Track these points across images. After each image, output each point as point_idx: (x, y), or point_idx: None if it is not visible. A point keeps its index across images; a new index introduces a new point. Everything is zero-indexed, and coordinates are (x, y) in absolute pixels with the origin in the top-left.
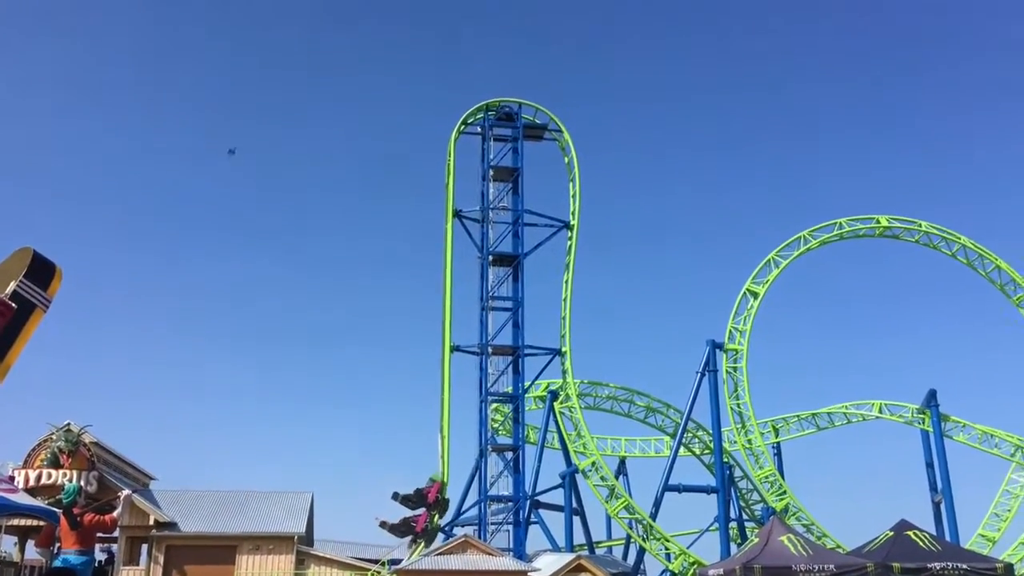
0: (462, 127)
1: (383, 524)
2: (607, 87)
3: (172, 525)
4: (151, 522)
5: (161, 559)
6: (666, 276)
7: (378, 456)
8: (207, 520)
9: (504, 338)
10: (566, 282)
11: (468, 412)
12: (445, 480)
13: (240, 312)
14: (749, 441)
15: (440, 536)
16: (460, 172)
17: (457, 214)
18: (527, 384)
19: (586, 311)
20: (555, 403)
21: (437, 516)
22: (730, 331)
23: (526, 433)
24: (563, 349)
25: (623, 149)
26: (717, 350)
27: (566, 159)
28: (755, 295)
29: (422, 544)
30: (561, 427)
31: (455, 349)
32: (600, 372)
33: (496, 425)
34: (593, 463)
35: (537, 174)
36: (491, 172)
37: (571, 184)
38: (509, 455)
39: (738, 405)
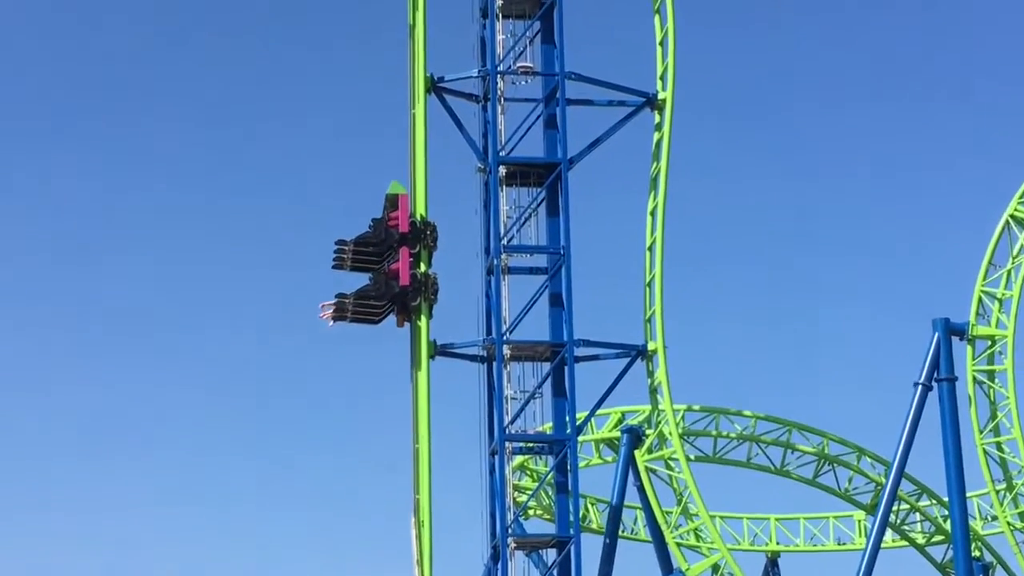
0: None
1: (337, 308)
2: None
3: None
4: None
5: None
6: (845, 194)
7: None
8: None
9: (534, 333)
10: (652, 213)
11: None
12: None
13: None
14: (1022, 516)
15: None
16: (437, 3)
17: (435, 86)
18: (581, 417)
19: (693, 273)
20: (638, 452)
21: (425, 251)
22: (979, 301)
23: (583, 513)
24: (650, 348)
25: None
26: (955, 340)
27: None
28: None
29: (424, 314)
30: (652, 498)
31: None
32: (723, 391)
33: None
34: (715, 567)
35: (588, 3)
36: (499, 1)
37: (658, 20)
38: (550, 555)
39: (999, 446)
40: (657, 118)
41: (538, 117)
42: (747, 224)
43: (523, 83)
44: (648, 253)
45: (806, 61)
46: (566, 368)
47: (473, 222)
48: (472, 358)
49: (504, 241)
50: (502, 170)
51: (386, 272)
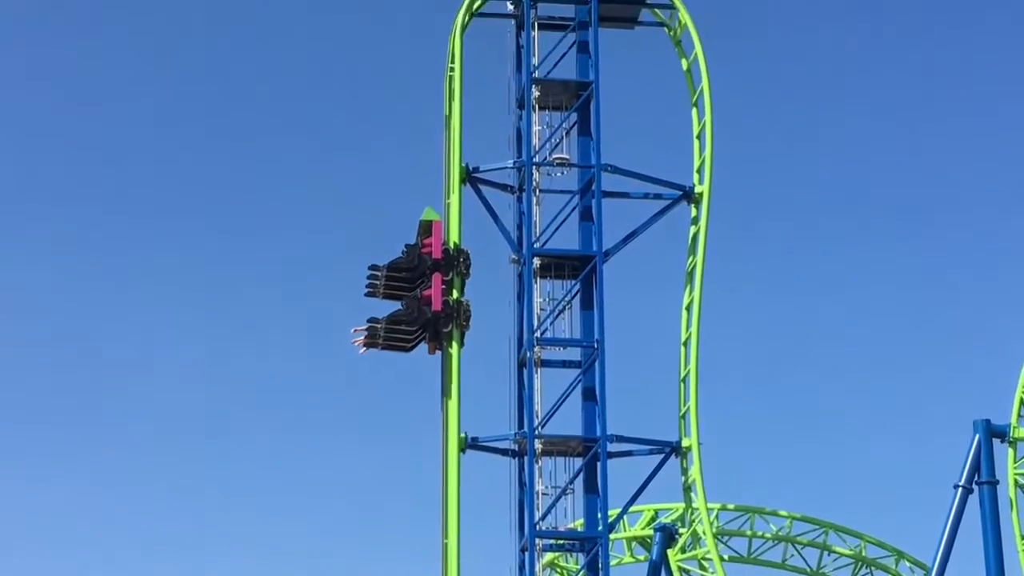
0: (476, 3)
1: (369, 335)
2: None
3: None
4: None
5: None
6: (882, 292)
7: None
8: None
9: (566, 428)
10: (688, 308)
11: None
12: (456, 241)
13: None
14: None
15: None
16: (473, 94)
17: (469, 176)
18: (613, 514)
19: (728, 369)
20: (671, 551)
21: (458, 278)
22: (1020, 402)
23: None
24: (684, 444)
25: (792, 45)
26: (996, 442)
27: (684, 62)
28: None
29: (456, 341)
30: None
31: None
32: (758, 490)
33: None
34: None
35: (625, 96)
36: (536, 92)
37: (695, 113)
38: None
39: None
40: (694, 212)
41: (573, 209)
42: (783, 320)
43: (559, 175)
44: (683, 348)
45: (845, 161)
46: (599, 464)
47: (506, 313)
48: (503, 452)
49: (537, 334)
50: (536, 262)
51: (419, 298)
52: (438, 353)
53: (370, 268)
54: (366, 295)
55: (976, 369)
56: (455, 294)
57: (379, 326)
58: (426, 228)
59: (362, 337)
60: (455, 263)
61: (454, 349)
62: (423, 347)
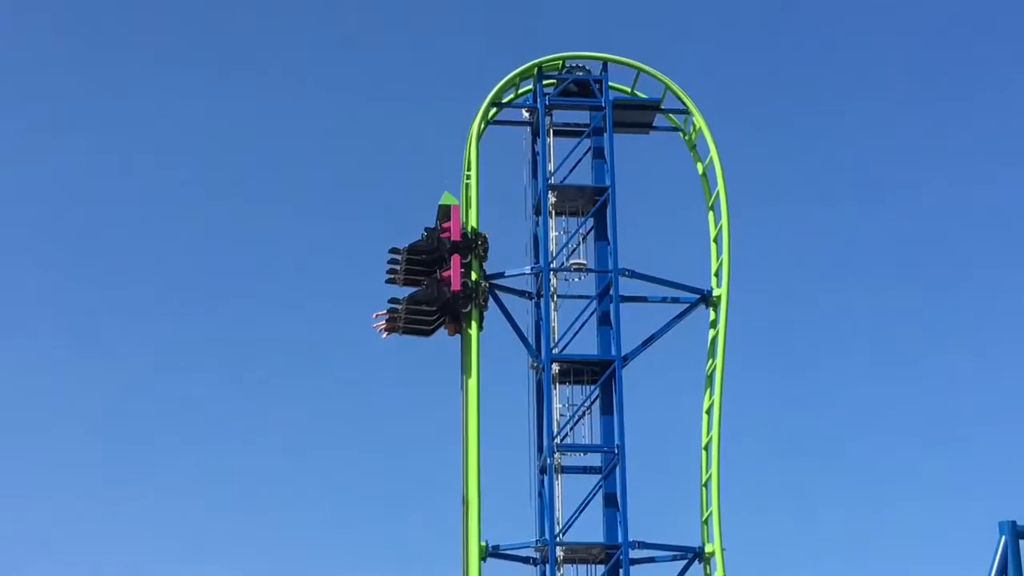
0: (491, 111)
1: (390, 319)
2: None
3: None
4: None
5: None
6: (907, 387)
7: None
8: None
9: (588, 534)
10: (708, 411)
11: None
12: (474, 225)
13: None
14: None
15: None
16: (490, 200)
17: (488, 280)
18: None
19: (751, 472)
20: None
21: (476, 261)
22: None
23: None
24: (707, 550)
25: (809, 147)
26: (1023, 544)
27: (700, 166)
28: None
29: (475, 321)
30: None
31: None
32: None
33: None
34: None
35: (641, 200)
36: (552, 198)
37: (711, 216)
38: None
39: None
40: (712, 315)
41: (591, 314)
42: (806, 420)
43: (576, 280)
44: (704, 452)
45: (862, 252)
46: (621, 571)
47: (525, 419)
48: (524, 560)
49: (557, 440)
50: (555, 367)
51: (438, 279)
52: (457, 337)
53: (390, 251)
54: (387, 282)
55: (1001, 469)
56: (474, 276)
57: (400, 307)
58: (445, 212)
59: (383, 322)
60: (473, 246)
61: (473, 330)
62: (442, 338)
